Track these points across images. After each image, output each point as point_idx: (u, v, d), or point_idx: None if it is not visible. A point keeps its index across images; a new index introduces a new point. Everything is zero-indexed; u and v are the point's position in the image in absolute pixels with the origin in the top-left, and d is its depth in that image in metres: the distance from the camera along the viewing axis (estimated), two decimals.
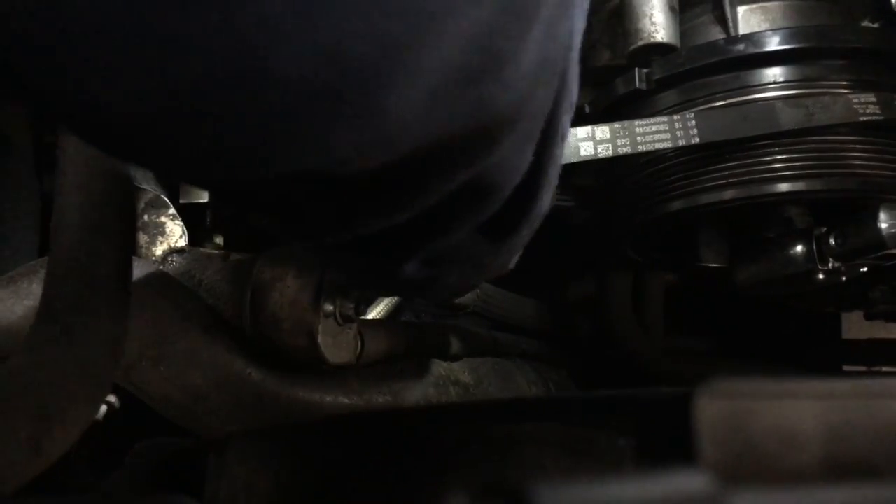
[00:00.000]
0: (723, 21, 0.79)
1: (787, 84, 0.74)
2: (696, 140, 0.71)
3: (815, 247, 0.78)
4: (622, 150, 0.71)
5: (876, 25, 0.78)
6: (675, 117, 0.72)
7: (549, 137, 0.33)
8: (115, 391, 0.62)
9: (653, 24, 0.76)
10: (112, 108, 0.21)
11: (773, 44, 0.73)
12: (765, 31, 0.76)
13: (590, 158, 0.70)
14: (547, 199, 0.37)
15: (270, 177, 0.26)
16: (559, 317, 1.11)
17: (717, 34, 0.80)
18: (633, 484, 0.19)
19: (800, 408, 0.23)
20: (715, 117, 0.73)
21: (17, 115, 0.73)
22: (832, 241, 0.77)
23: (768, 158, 0.73)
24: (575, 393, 0.99)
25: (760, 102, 0.74)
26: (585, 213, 1.04)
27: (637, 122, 0.72)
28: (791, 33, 0.74)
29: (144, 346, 0.57)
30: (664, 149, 0.73)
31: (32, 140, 0.75)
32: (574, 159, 0.70)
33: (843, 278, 0.80)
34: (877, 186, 0.73)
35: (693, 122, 0.72)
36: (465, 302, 0.85)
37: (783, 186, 0.73)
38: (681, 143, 0.72)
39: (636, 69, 0.79)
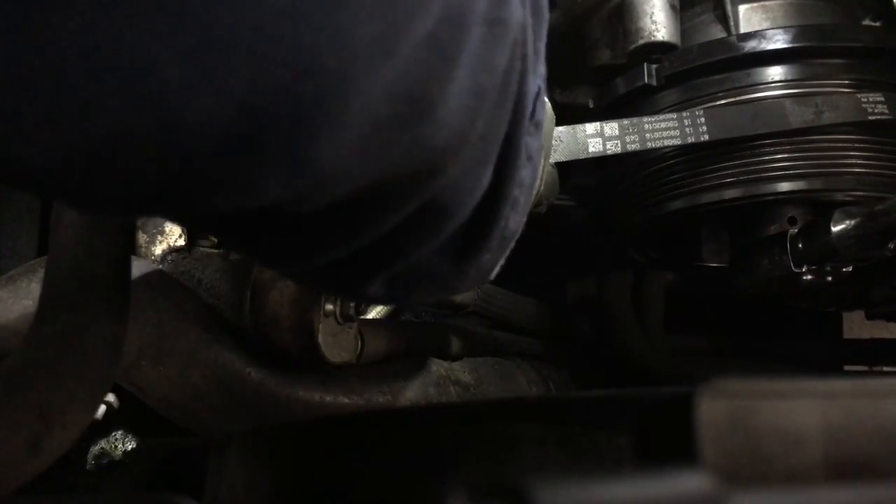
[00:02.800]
0: (724, 19, 0.79)
1: (790, 83, 0.74)
2: (706, 137, 0.71)
3: (788, 249, 0.77)
4: (631, 147, 0.71)
5: (877, 24, 0.78)
6: (685, 114, 0.72)
7: (508, 159, 0.33)
8: (114, 391, 0.62)
9: (653, 22, 0.76)
10: (37, 164, 0.21)
11: (782, 41, 0.73)
12: (773, 28, 0.75)
13: (598, 155, 0.70)
14: (514, 220, 0.37)
15: (206, 214, 0.26)
16: (559, 317, 1.11)
17: (717, 32, 0.79)
18: (633, 484, 0.19)
19: (801, 407, 0.23)
20: (724, 115, 0.72)
21: None
22: (799, 245, 0.77)
23: (768, 158, 0.73)
24: (575, 393, 0.99)
25: (770, 100, 0.73)
26: (585, 213, 1.04)
27: (646, 118, 0.72)
28: (801, 31, 0.73)
29: (144, 346, 0.57)
30: (673, 146, 0.72)
31: None
32: (582, 156, 0.70)
33: (829, 279, 0.79)
34: (876, 186, 0.73)
35: (702, 120, 0.71)
36: (465, 302, 0.84)
37: (782, 186, 0.73)
38: (690, 140, 0.71)
39: (644, 64, 0.78)
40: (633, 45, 0.78)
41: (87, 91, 0.19)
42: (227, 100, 0.20)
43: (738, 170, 0.74)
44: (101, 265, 0.42)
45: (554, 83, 0.93)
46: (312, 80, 0.21)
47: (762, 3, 0.79)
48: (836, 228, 0.71)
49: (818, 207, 0.80)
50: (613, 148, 0.70)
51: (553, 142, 0.66)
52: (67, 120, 0.20)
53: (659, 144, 0.71)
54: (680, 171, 0.78)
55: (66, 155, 0.21)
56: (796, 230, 0.77)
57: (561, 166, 0.69)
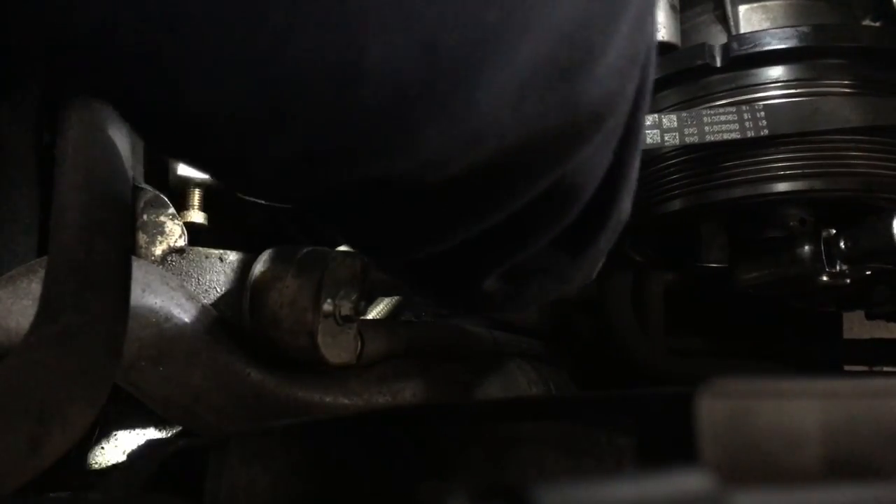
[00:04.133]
0: (724, 20, 0.79)
1: (788, 82, 0.74)
2: (766, 132, 0.70)
3: (822, 249, 0.77)
4: (689, 140, 0.70)
5: (877, 24, 0.78)
6: (744, 108, 0.71)
7: (630, 136, 0.31)
8: (114, 391, 0.62)
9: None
10: (210, 110, 0.20)
11: (786, 42, 0.73)
12: (782, 27, 0.75)
13: (655, 147, 0.70)
14: (627, 204, 0.35)
15: (356, 181, 0.24)
16: (559, 317, 1.11)
17: (718, 33, 0.79)
18: (634, 483, 0.19)
19: (801, 407, 0.23)
20: (784, 109, 0.72)
21: (16, 115, 0.73)
22: (841, 244, 0.76)
23: (770, 158, 0.73)
24: (575, 393, 0.99)
25: (832, 97, 0.72)
26: None
27: (704, 111, 0.71)
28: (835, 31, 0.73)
29: (144, 346, 0.57)
30: (732, 140, 0.71)
31: (32, 141, 0.75)
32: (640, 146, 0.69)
33: (847, 280, 0.80)
34: (880, 186, 0.72)
35: (762, 114, 0.70)
36: None
37: (786, 186, 0.73)
38: (749, 134, 0.70)
39: (705, 45, 0.75)
40: None
41: (283, 20, 0.18)
42: (413, 36, 0.19)
43: (739, 170, 0.74)
44: (100, 265, 0.42)
45: None
46: (500, 7, 0.20)
47: (762, 3, 0.79)
48: None
49: (820, 208, 0.80)
50: (672, 140, 0.70)
51: None
52: (258, 54, 0.18)
53: (718, 138, 0.70)
54: (681, 170, 0.78)
55: (247, 99, 0.19)
56: (833, 230, 0.77)
57: None
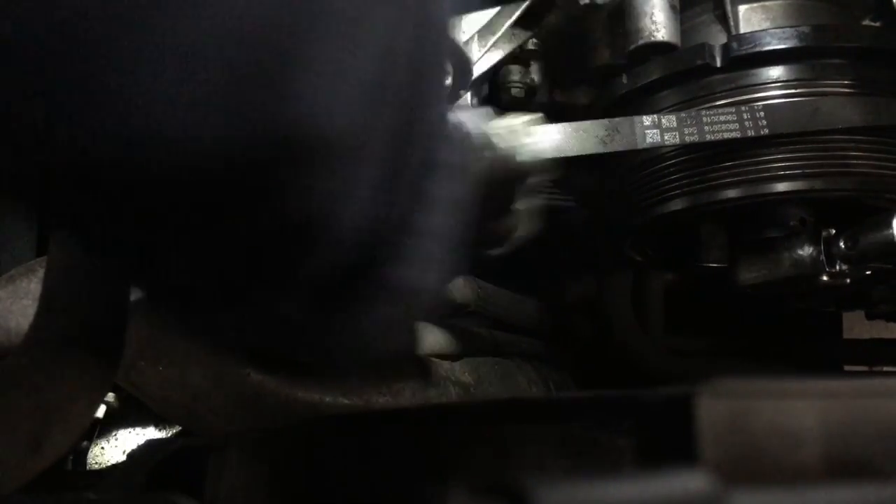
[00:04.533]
0: (724, 20, 0.79)
1: (788, 82, 0.74)
2: (766, 132, 0.71)
3: (822, 249, 0.77)
4: (689, 139, 0.71)
5: (877, 24, 0.78)
6: (744, 108, 0.71)
7: (399, 187, 0.27)
8: (114, 391, 0.62)
9: (653, 22, 0.76)
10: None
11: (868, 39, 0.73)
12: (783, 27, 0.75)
13: (655, 146, 0.71)
14: (413, 274, 0.30)
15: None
16: (559, 317, 1.11)
17: (717, 33, 0.79)
18: (634, 484, 0.19)
19: (800, 407, 0.23)
20: (785, 110, 0.72)
21: None
22: (841, 244, 0.76)
23: (770, 158, 0.73)
24: (575, 393, 0.99)
25: (832, 97, 0.72)
26: (585, 213, 1.04)
27: (703, 111, 0.72)
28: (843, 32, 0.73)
29: (144, 347, 0.57)
30: (732, 139, 0.71)
31: None
32: (639, 146, 0.70)
33: (847, 280, 0.80)
34: (880, 186, 0.72)
35: (762, 114, 0.71)
36: (465, 301, 0.84)
37: (786, 186, 0.73)
38: (750, 133, 0.71)
39: (705, 45, 0.76)
40: (633, 46, 0.78)
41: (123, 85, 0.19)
42: (46, 8, 0.19)
43: (739, 170, 0.74)
44: (100, 265, 0.42)
45: (554, 83, 0.93)
46: None
47: (762, 3, 0.79)
48: None
49: (820, 208, 0.80)
50: (671, 139, 0.71)
51: (608, 132, 0.66)
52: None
53: (718, 137, 0.71)
54: (680, 170, 0.78)
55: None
56: (833, 230, 0.77)
57: (562, 165, 0.69)
